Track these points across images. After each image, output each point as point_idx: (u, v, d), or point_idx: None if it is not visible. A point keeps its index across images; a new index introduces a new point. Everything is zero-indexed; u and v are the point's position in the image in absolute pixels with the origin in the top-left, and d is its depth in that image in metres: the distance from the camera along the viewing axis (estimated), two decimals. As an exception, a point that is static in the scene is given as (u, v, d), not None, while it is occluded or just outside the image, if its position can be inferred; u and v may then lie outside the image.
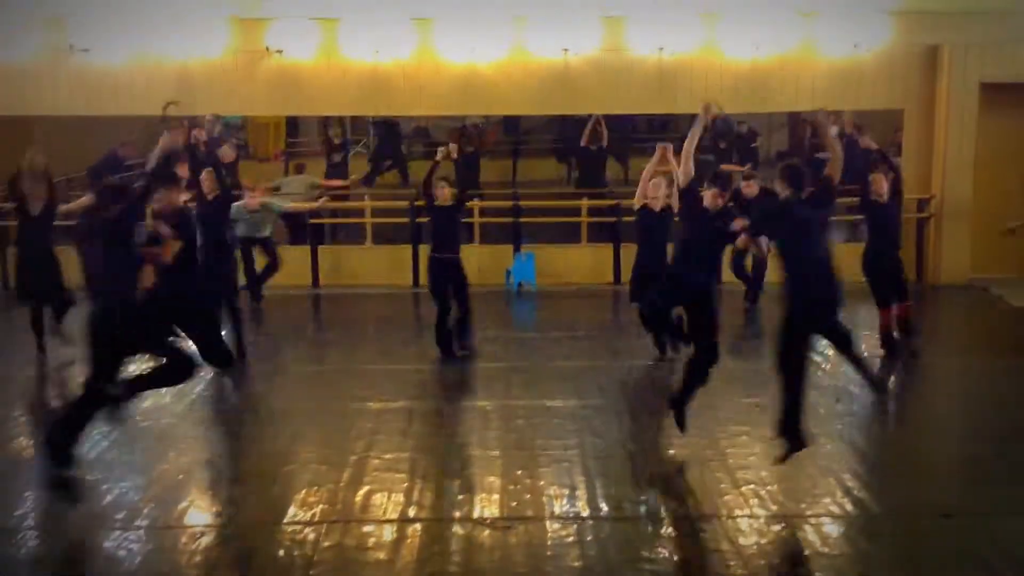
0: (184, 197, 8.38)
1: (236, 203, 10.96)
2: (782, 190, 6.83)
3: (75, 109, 13.59)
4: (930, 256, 13.46)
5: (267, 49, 13.30)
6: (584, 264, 13.35)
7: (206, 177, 9.66)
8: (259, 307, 12.07)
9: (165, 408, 8.69)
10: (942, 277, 13.20)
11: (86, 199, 8.32)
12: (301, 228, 13.88)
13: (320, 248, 13.69)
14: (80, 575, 5.91)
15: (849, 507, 6.65)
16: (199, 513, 6.66)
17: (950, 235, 13.27)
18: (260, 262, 12.17)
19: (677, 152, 8.02)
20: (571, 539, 6.25)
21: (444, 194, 9.77)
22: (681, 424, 7.56)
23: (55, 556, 6.19)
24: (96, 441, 7.95)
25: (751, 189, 10.82)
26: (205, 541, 6.23)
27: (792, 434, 6.86)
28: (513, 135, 19.41)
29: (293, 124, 20.35)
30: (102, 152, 15.51)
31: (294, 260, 13.14)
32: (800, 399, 6.77)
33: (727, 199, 7.72)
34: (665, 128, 19.09)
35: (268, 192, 12.68)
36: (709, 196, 7.58)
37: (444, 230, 9.78)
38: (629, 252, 12.79)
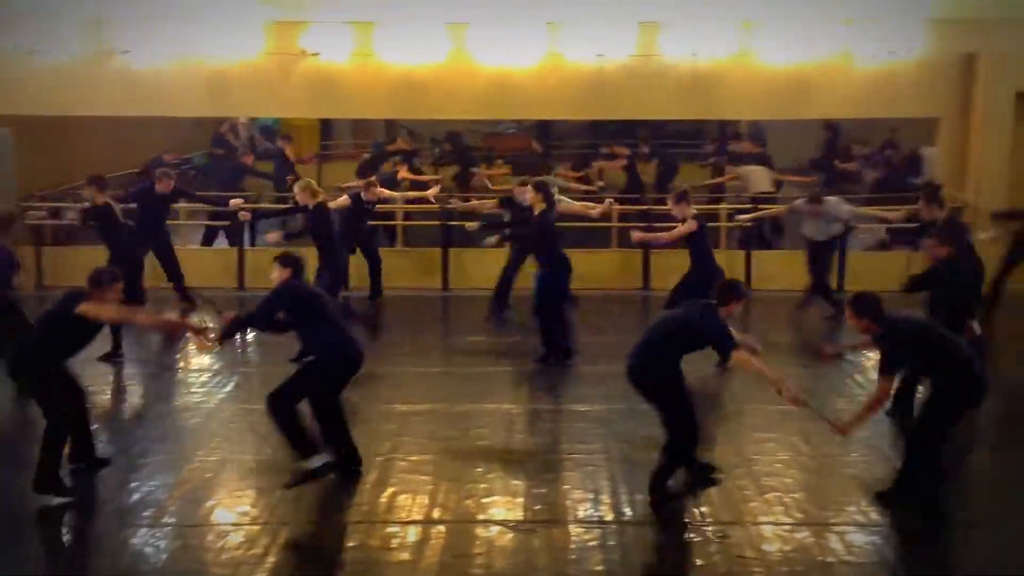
0: None
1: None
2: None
3: (115, 110, 13.79)
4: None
5: (303, 52, 13.42)
6: (612, 269, 13.33)
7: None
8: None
9: (194, 408, 8.79)
10: (976, 286, 13.07)
11: None
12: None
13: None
14: (108, 571, 5.98)
15: (874, 515, 6.62)
16: (225, 512, 6.72)
17: (983, 242, 13.12)
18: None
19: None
20: (594, 543, 6.26)
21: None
22: (657, 509, 6.78)
23: (83, 551, 6.27)
24: (126, 439, 8.07)
25: None
26: (231, 539, 6.30)
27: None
28: (545, 140, 19.45)
29: (327, 127, 20.52)
30: (144, 152, 15.75)
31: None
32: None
33: None
34: (699, 135, 19.08)
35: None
36: None
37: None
38: (659, 258, 12.89)
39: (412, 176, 14.51)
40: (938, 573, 6.05)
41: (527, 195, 10.40)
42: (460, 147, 16.78)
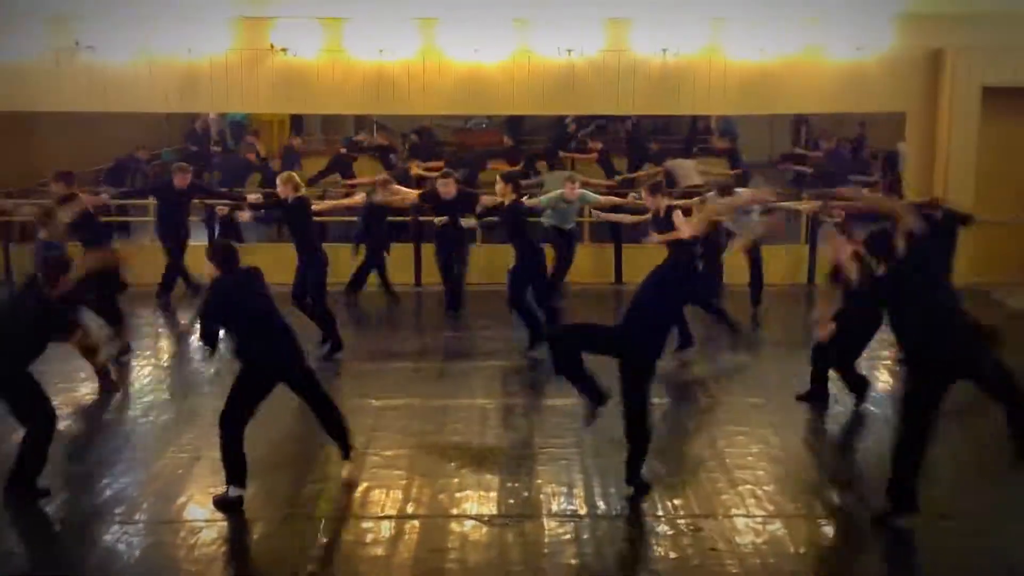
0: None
1: (554, 193, 11.80)
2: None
3: (80, 106, 13.65)
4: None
5: (272, 47, 13.36)
6: (586, 264, 13.36)
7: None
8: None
9: (165, 404, 8.74)
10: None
11: None
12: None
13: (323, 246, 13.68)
14: (79, 567, 5.94)
15: (846, 507, 6.69)
16: (198, 508, 6.69)
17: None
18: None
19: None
20: (568, 537, 6.28)
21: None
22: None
23: (55, 550, 6.22)
24: (97, 437, 8.01)
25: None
26: (204, 536, 6.27)
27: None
28: (516, 135, 19.44)
29: (297, 122, 20.40)
30: (111, 149, 15.63)
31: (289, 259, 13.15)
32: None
33: None
34: (667, 130, 19.14)
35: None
36: None
37: None
38: (631, 252, 12.94)
39: (423, 172, 14.44)
40: (908, 565, 6.11)
41: (451, 188, 10.90)
42: (429, 142, 16.74)
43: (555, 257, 12.16)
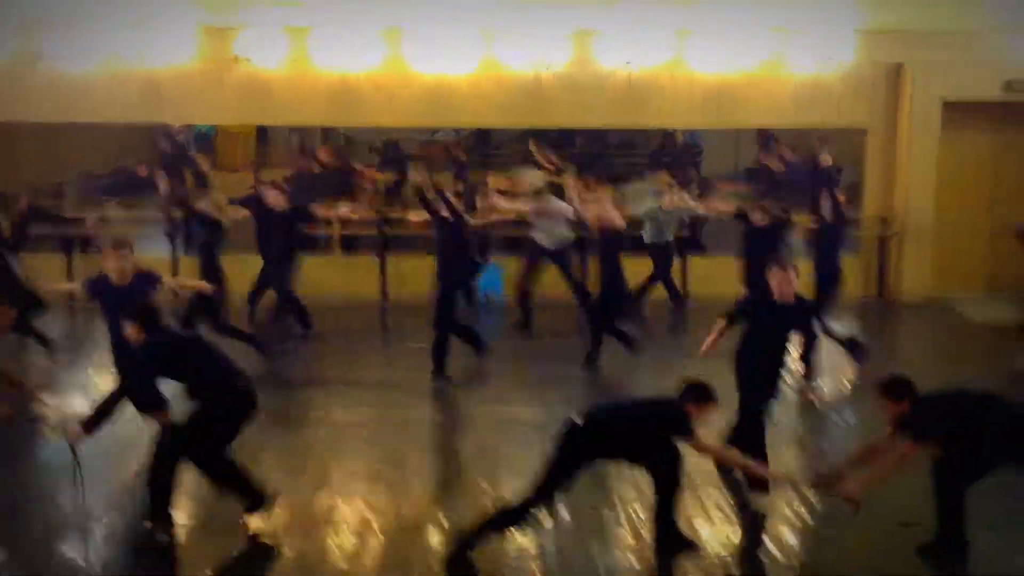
0: None
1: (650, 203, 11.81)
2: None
3: (44, 116, 13.51)
4: (891, 273, 13.60)
5: (235, 57, 13.28)
6: (552, 277, 13.36)
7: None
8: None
9: (125, 416, 8.63)
10: (904, 295, 13.34)
11: None
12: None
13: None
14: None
15: (807, 514, 6.72)
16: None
17: (911, 252, 13.41)
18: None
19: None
20: (534, 549, 6.27)
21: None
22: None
23: (17, 561, 6.12)
24: (57, 448, 7.89)
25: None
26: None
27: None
28: (484, 148, 19.44)
29: (263, 134, 20.28)
30: (74, 161, 15.44)
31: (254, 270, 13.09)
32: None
33: None
34: (633, 145, 19.22)
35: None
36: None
37: None
38: (596, 266, 12.93)
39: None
40: (871, 571, 6.14)
41: (273, 196, 10.87)
42: (396, 155, 16.70)
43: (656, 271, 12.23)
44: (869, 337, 12.38)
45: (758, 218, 10.66)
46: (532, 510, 6.07)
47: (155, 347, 6.33)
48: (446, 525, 6.56)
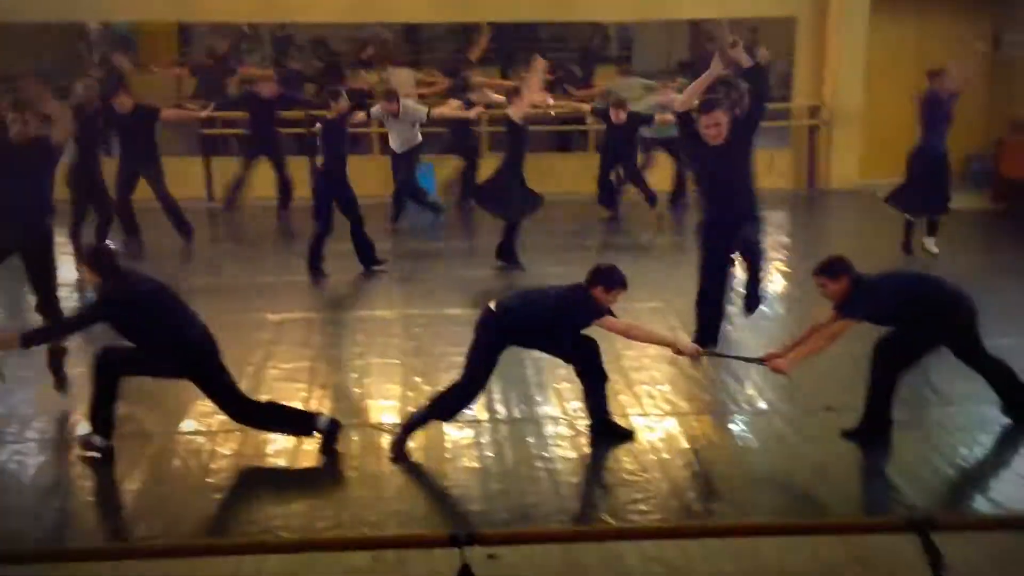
0: None
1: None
2: None
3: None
4: (821, 161, 13.75)
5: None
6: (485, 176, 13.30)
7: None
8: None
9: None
10: (832, 182, 13.52)
11: None
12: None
13: (214, 160, 13.39)
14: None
15: (736, 404, 6.89)
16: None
17: (840, 141, 13.56)
18: None
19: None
20: (468, 441, 6.36)
21: None
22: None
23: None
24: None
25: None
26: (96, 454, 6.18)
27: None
28: (414, 44, 19.10)
29: (186, 33, 19.69)
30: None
31: (188, 173, 12.85)
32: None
33: None
34: (563, 40, 19.00)
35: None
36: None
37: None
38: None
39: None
40: (796, 452, 6.33)
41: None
42: (324, 52, 16.35)
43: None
44: (799, 226, 12.64)
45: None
46: (463, 397, 6.18)
47: (108, 303, 6.00)
48: (379, 421, 6.62)
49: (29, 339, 6.03)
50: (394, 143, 11.60)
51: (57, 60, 16.56)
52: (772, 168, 12.28)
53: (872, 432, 6.28)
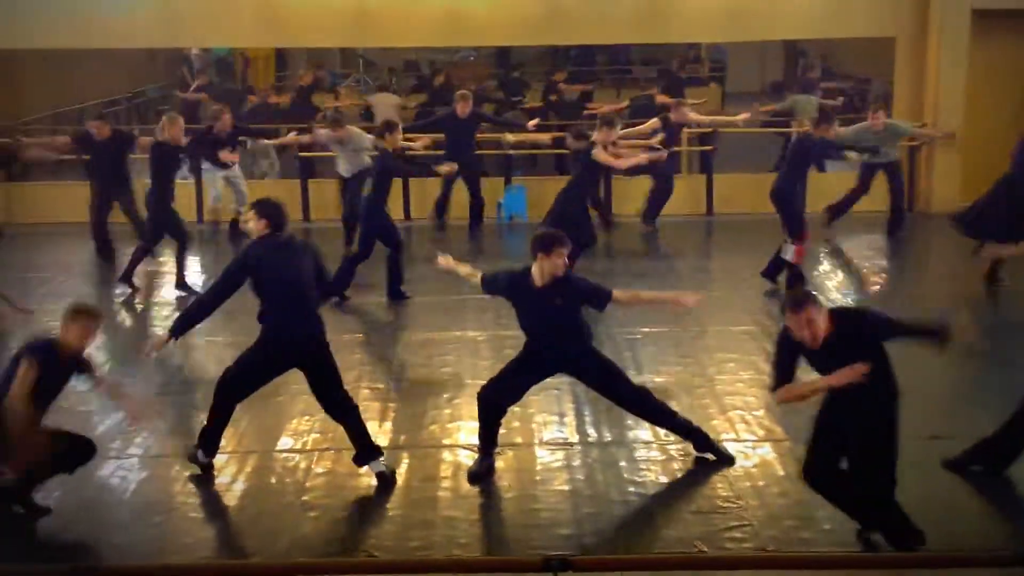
0: None
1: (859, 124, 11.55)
2: None
3: (60, 43, 13.43)
4: (921, 185, 13.45)
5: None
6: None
7: None
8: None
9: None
10: (933, 205, 13.20)
11: None
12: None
13: (310, 182, 13.60)
14: (75, 502, 5.96)
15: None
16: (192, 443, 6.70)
17: (941, 162, 13.24)
18: None
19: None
20: (559, 464, 6.33)
21: None
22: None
23: (50, 484, 6.23)
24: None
25: None
26: (197, 469, 6.29)
27: None
28: (504, 67, 19.24)
29: (282, 57, 20.18)
30: (93, 87, 15.41)
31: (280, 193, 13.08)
32: None
33: None
34: (656, 60, 18.97)
35: None
36: None
37: None
38: (621, 185, 12.86)
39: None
40: (900, 484, 6.16)
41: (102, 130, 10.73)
42: (421, 76, 16.58)
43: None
44: (898, 249, 12.34)
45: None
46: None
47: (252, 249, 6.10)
48: (470, 442, 6.63)
49: (176, 330, 6.13)
50: (342, 168, 11.63)
51: (165, 84, 17.07)
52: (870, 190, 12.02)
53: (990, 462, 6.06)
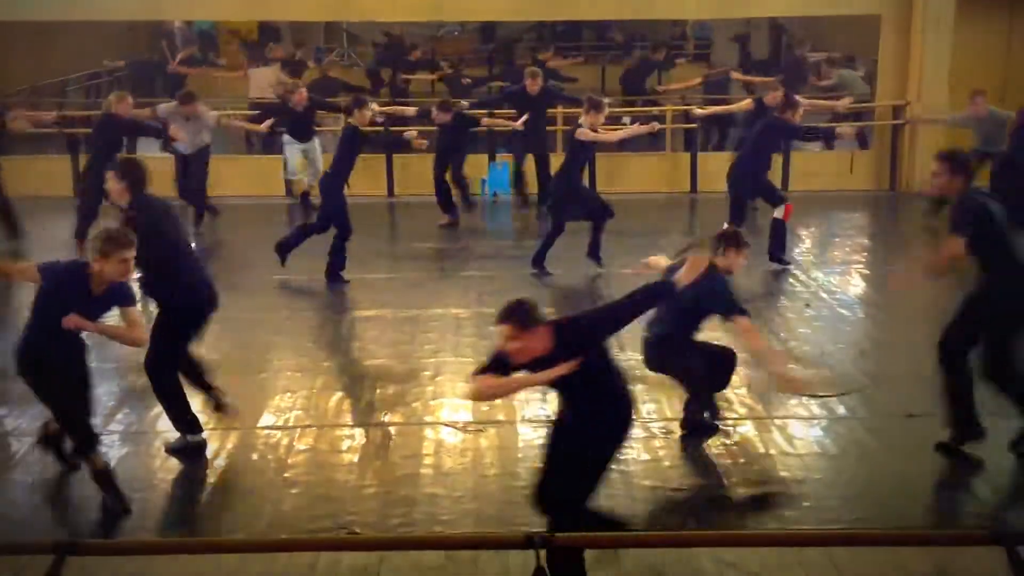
0: None
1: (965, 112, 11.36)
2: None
3: (42, 15, 13.29)
4: (904, 163, 13.48)
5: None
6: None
7: None
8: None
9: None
10: (915, 185, 13.24)
11: None
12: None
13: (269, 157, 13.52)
14: (57, 478, 5.95)
15: (815, 409, 6.77)
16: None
17: (924, 142, 13.26)
18: None
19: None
20: (541, 441, 6.32)
21: None
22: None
23: (30, 459, 6.22)
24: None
25: None
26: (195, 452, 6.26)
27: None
28: (490, 43, 19.15)
29: (265, 32, 20.00)
30: (73, 59, 15.26)
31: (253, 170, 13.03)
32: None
33: None
34: (641, 37, 18.92)
35: None
36: None
37: None
38: (616, 161, 12.84)
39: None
40: (876, 460, 6.21)
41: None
42: (399, 50, 16.47)
43: None
44: (879, 229, 12.38)
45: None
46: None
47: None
48: (453, 419, 6.64)
49: None
50: (181, 146, 11.37)
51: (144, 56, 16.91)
52: (853, 169, 12.06)
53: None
